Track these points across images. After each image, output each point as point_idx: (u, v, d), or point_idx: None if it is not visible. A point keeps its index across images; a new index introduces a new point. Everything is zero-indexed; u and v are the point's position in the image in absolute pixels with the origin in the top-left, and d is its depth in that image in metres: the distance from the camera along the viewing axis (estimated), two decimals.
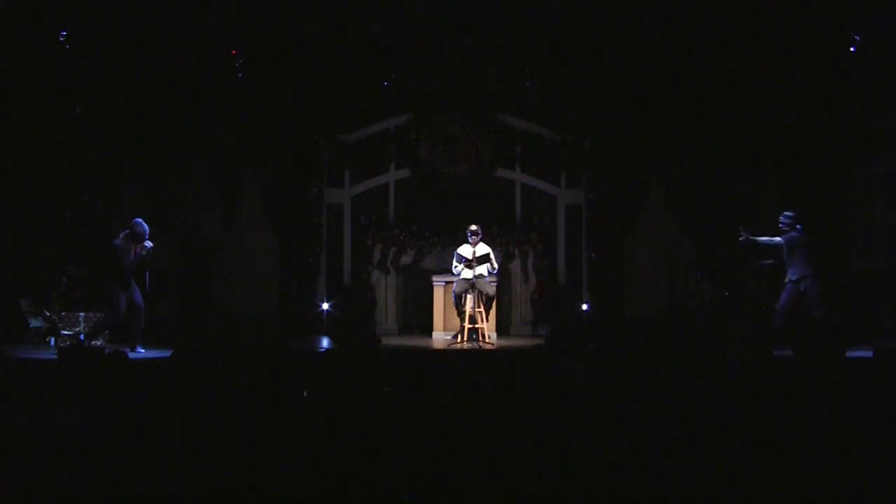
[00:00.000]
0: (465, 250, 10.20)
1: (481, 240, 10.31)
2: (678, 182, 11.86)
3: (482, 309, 10.11)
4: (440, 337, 11.01)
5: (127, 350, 8.59)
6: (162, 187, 11.68)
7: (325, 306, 11.33)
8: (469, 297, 10.07)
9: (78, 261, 10.91)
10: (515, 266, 12.20)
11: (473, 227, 10.24)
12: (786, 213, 9.56)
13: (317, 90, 11.80)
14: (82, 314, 10.24)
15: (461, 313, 10.15)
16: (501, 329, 11.49)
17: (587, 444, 4.43)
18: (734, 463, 4.10)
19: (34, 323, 10.48)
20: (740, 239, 9.62)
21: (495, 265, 10.30)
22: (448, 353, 9.59)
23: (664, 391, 5.98)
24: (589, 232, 12.10)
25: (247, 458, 4.15)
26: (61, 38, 10.59)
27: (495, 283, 10.58)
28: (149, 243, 9.22)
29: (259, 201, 12.02)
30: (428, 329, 11.36)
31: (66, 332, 10.08)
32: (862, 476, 3.91)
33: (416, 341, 10.96)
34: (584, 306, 11.72)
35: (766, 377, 6.53)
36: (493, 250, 10.52)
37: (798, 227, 9.42)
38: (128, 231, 9.22)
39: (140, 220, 9.26)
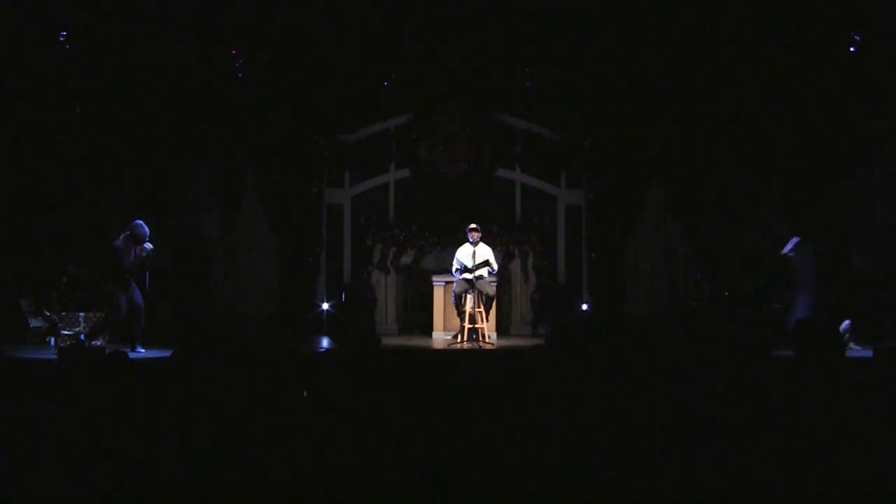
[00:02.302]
0: (465, 253, 10.19)
1: (481, 239, 10.30)
2: (678, 182, 11.87)
3: (482, 309, 10.10)
4: (440, 337, 11.01)
5: (127, 350, 8.57)
6: (162, 187, 11.67)
7: (325, 306, 11.33)
8: (469, 297, 10.06)
9: (78, 261, 10.91)
10: (515, 266, 12.20)
11: (473, 226, 10.24)
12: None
13: (317, 90, 11.80)
14: (82, 314, 10.24)
15: (461, 313, 10.14)
16: (501, 329, 11.48)
17: (587, 443, 4.43)
18: (734, 463, 4.10)
19: (34, 323, 10.47)
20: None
21: (495, 266, 10.29)
22: (448, 353, 9.58)
23: (665, 391, 5.98)
24: (589, 232, 12.10)
25: (247, 458, 4.15)
26: (61, 38, 10.59)
27: (495, 283, 10.57)
28: (149, 245, 9.18)
29: (259, 202, 12.03)
30: (428, 329, 11.36)
31: (66, 332, 10.08)
32: (862, 476, 3.90)
33: (416, 341, 10.95)
34: (584, 306, 11.72)
35: (766, 377, 6.53)
36: (493, 250, 10.51)
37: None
38: (128, 232, 9.19)
39: (140, 221, 9.22)
